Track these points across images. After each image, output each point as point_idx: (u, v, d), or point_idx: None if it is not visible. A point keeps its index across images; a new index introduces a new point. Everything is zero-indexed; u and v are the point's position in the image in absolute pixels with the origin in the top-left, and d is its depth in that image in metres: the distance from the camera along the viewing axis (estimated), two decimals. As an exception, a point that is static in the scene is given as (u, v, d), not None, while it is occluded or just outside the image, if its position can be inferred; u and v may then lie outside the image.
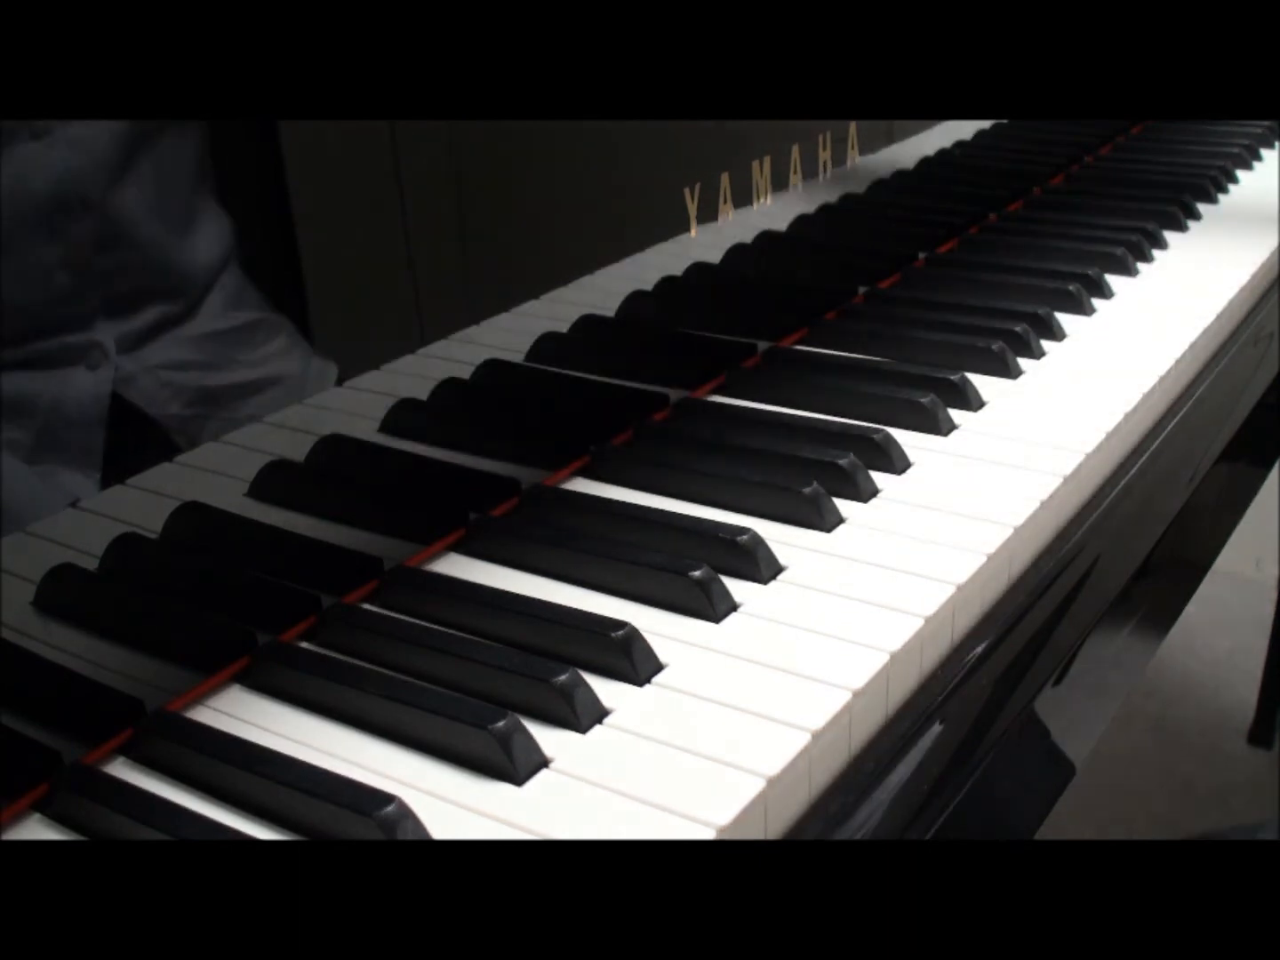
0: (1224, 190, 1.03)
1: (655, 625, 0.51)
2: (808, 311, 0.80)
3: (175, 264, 0.53)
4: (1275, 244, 0.89)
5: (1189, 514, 0.73)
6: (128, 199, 0.52)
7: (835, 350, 0.76)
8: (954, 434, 0.66)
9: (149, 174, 0.52)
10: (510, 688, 0.46)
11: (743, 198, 0.76)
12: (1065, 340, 0.77)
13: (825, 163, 0.83)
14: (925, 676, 0.51)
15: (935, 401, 0.66)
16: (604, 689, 0.47)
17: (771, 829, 0.42)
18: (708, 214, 0.73)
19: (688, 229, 0.72)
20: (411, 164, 0.57)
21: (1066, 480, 0.60)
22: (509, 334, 0.65)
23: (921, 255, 0.90)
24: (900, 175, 0.97)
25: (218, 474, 0.54)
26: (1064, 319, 0.78)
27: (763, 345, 0.76)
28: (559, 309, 0.67)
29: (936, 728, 0.49)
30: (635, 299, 0.73)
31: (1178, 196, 0.97)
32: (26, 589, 0.50)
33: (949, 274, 0.87)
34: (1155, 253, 0.89)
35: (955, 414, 0.67)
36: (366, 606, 0.53)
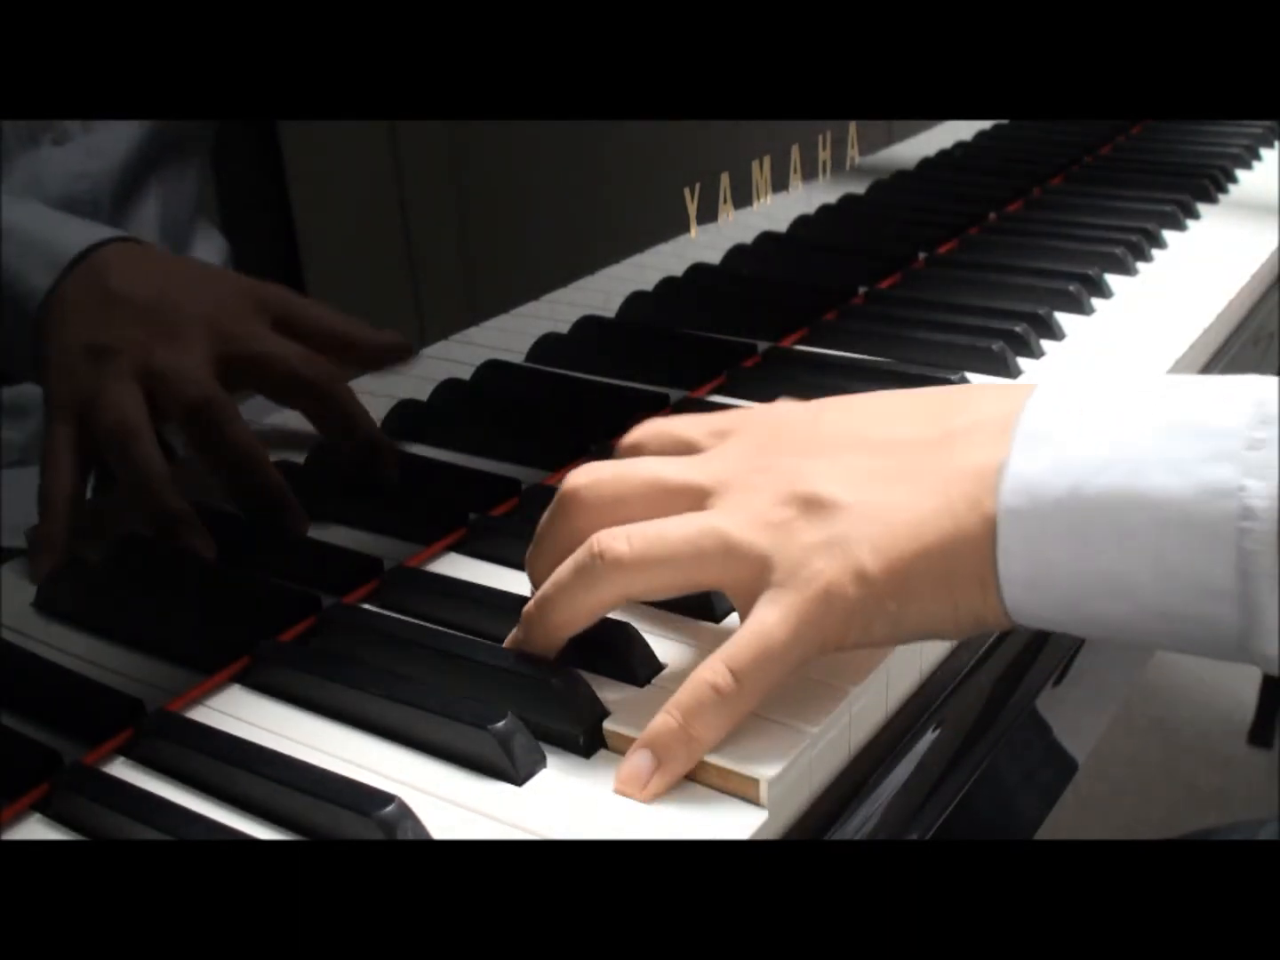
0: (1224, 190, 1.03)
1: (656, 625, 0.51)
2: (808, 311, 0.80)
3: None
4: (1275, 243, 0.89)
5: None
6: (134, 211, 0.52)
7: (835, 350, 0.76)
8: (954, 434, 0.66)
9: (155, 192, 0.52)
10: (510, 688, 0.46)
11: (743, 198, 0.76)
12: (1065, 340, 0.77)
13: (825, 163, 0.83)
14: (925, 676, 0.51)
15: (935, 401, 0.66)
16: (604, 689, 0.47)
17: (771, 829, 0.42)
18: (708, 214, 0.73)
19: (688, 229, 0.72)
20: (411, 164, 0.57)
21: (1066, 480, 0.60)
22: (509, 335, 0.65)
23: (921, 255, 0.90)
24: (900, 175, 0.97)
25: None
26: (1064, 319, 0.78)
27: (763, 345, 0.76)
28: (559, 310, 0.68)
29: (936, 727, 0.49)
30: (635, 300, 0.73)
31: (1177, 196, 0.97)
32: (27, 589, 0.51)
33: (949, 274, 0.87)
34: (1155, 252, 0.89)
35: (955, 414, 0.67)
36: (366, 606, 0.53)
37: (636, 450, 0.50)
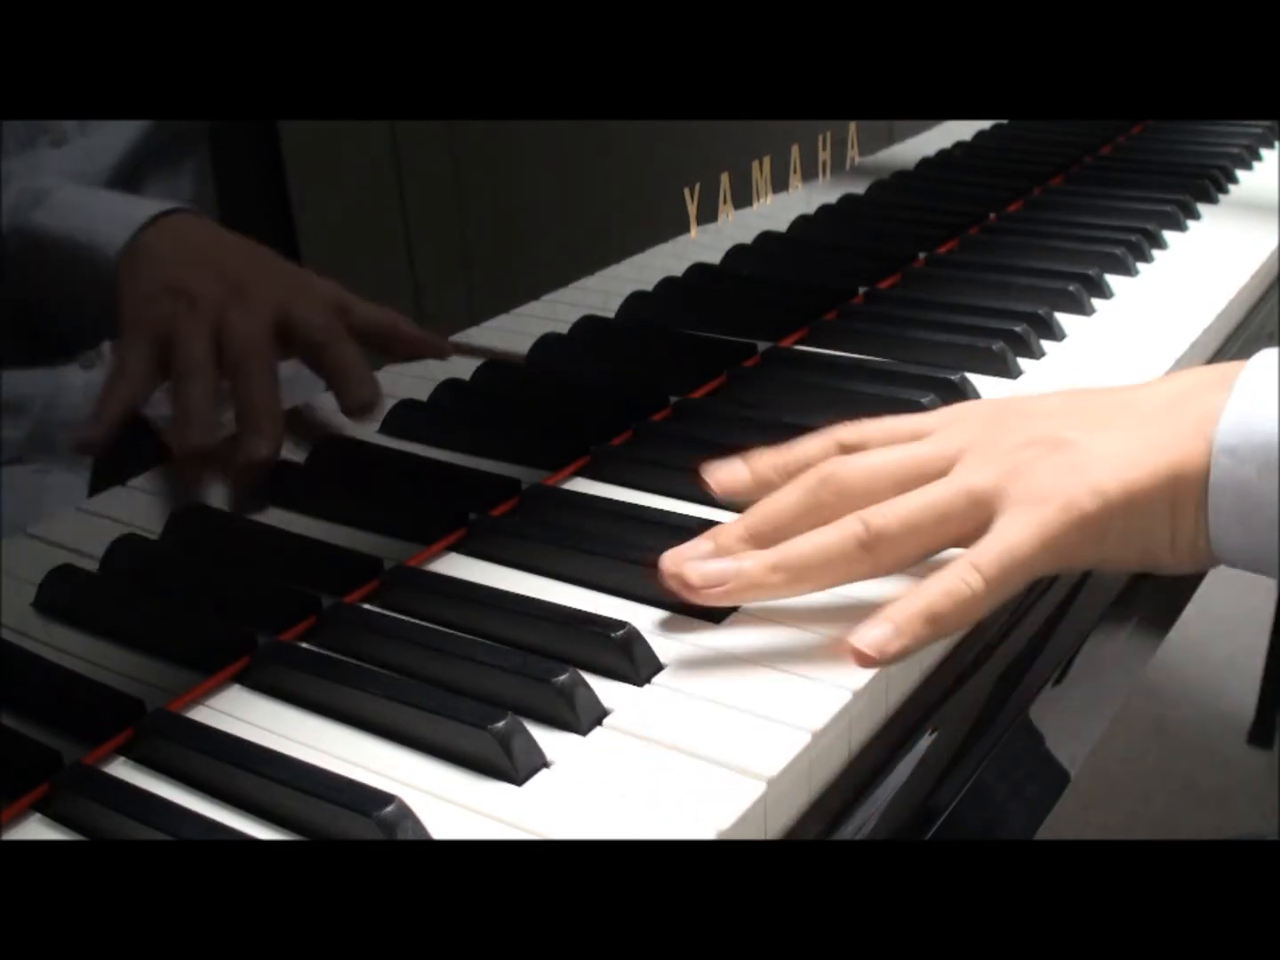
0: (1224, 190, 1.03)
1: (655, 625, 0.51)
2: (808, 311, 0.80)
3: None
4: (1275, 243, 0.89)
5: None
6: None
7: (835, 350, 0.76)
8: (954, 434, 0.66)
9: (150, 192, 0.52)
10: (510, 688, 0.46)
11: (743, 198, 0.76)
12: (1065, 340, 0.77)
13: (825, 163, 0.83)
14: (925, 676, 0.51)
15: (935, 401, 0.66)
16: (604, 689, 0.47)
17: (771, 829, 0.42)
18: (708, 214, 0.73)
19: (688, 229, 0.72)
20: (411, 164, 0.57)
21: (1066, 480, 0.60)
22: (509, 334, 0.65)
23: (921, 255, 0.90)
24: (900, 175, 0.97)
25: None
26: (1064, 319, 0.78)
27: (763, 345, 0.76)
28: (559, 310, 0.67)
29: (934, 730, 0.49)
30: (635, 300, 0.73)
31: (1177, 196, 0.97)
32: (27, 590, 0.51)
33: (949, 274, 0.87)
34: (1155, 253, 0.89)
35: (955, 414, 0.67)
36: (366, 606, 0.53)
37: (861, 445, 0.53)
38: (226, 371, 0.52)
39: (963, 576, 0.45)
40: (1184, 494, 0.46)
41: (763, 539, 0.50)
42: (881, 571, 0.49)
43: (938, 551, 0.49)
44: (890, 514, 0.48)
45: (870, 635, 0.44)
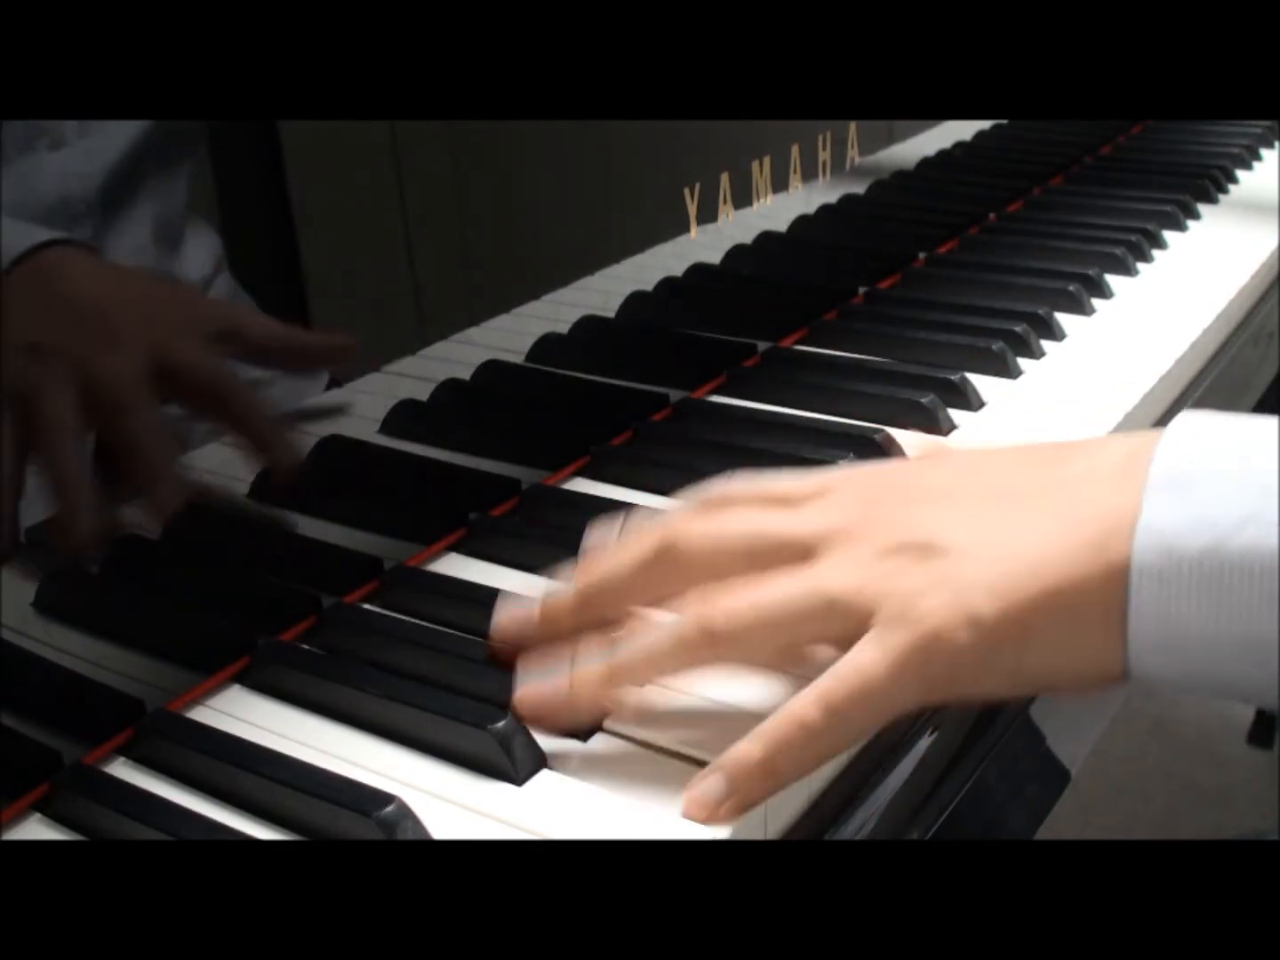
0: (1224, 190, 1.03)
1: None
2: (808, 311, 0.80)
3: (167, 275, 0.54)
4: (1275, 243, 0.89)
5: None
6: (128, 210, 0.52)
7: (835, 350, 0.75)
8: (954, 434, 0.66)
9: (148, 192, 0.52)
10: (510, 688, 0.46)
11: (743, 198, 0.76)
12: (1065, 340, 0.77)
13: (825, 163, 0.83)
14: (925, 676, 0.51)
15: (935, 401, 0.66)
16: (604, 689, 0.47)
17: (771, 829, 0.42)
18: (708, 214, 0.73)
19: (688, 230, 0.72)
20: (411, 164, 0.57)
21: (1066, 480, 0.60)
22: (509, 335, 0.65)
23: (921, 255, 0.90)
24: (900, 175, 0.97)
25: (219, 475, 0.54)
26: (1064, 319, 0.78)
27: (763, 345, 0.76)
28: (559, 310, 0.68)
29: (934, 731, 0.49)
30: (635, 300, 0.73)
31: (1177, 196, 0.97)
32: (27, 590, 0.51)
33: (949, 274, 0.87)
34: (1155, 253, 0.89)
35: (955, 414, 0.67)
36: (366, 606, 0.53)
37: (726, 504, 0.46)
38: (100, 426, 0.48)
39: (804, 715, 0.40)
40: (1088, 615, 0.38)
41: (596, 608, 0.46)
42: (736, 663, 0.45)
43: (808, 644, 0.45)
44: (733, 614, 0.42)
45: (702, 793, 0.40)
